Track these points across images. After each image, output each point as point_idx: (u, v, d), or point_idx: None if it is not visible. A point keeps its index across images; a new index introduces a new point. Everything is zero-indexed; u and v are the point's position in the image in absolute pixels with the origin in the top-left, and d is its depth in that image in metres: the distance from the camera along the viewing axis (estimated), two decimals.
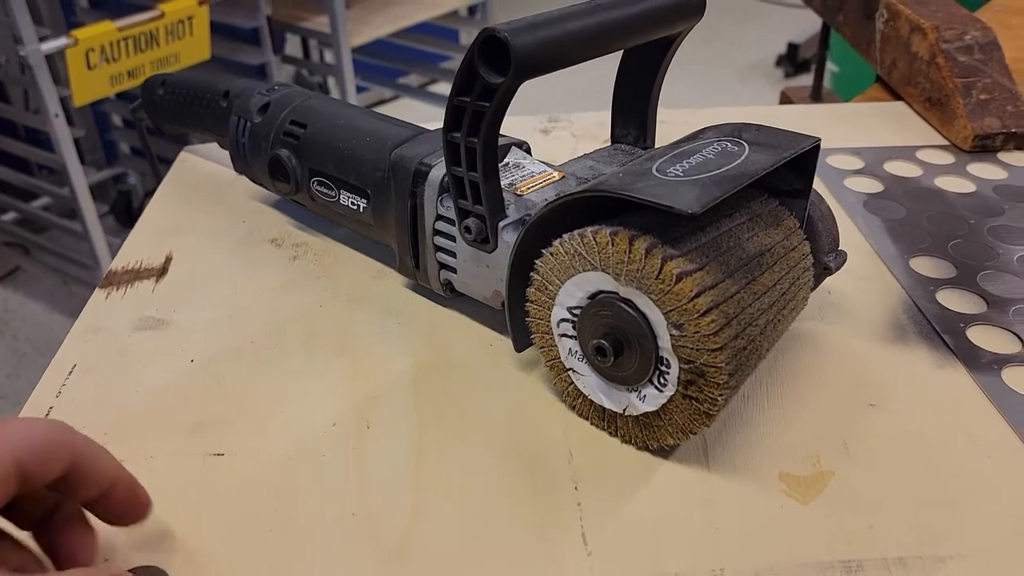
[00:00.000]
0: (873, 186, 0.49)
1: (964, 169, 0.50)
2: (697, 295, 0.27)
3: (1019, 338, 0.36)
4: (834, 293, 0.39)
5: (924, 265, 0.41)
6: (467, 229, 0.34)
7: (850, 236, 0.44)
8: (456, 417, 0.33)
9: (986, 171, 0.50)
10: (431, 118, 0.46)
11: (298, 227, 0.46)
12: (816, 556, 0.27)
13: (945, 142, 0.53)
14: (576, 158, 0.40)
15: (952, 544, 0.27)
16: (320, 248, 0.44)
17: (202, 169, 0.52)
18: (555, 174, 0.37)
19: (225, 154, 0.50)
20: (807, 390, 0.34)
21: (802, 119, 0.57)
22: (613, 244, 0.28)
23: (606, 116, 0.49)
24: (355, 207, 0.40)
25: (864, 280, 0.40)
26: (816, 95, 0.78)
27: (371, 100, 2.31)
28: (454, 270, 0.37)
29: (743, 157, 0.30)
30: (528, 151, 0.40)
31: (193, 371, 0.35)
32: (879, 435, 0.32)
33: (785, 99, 0.80)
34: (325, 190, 0.41)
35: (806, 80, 2.84)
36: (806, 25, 2.64)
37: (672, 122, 0.54)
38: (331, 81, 2.18)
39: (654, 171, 0.29)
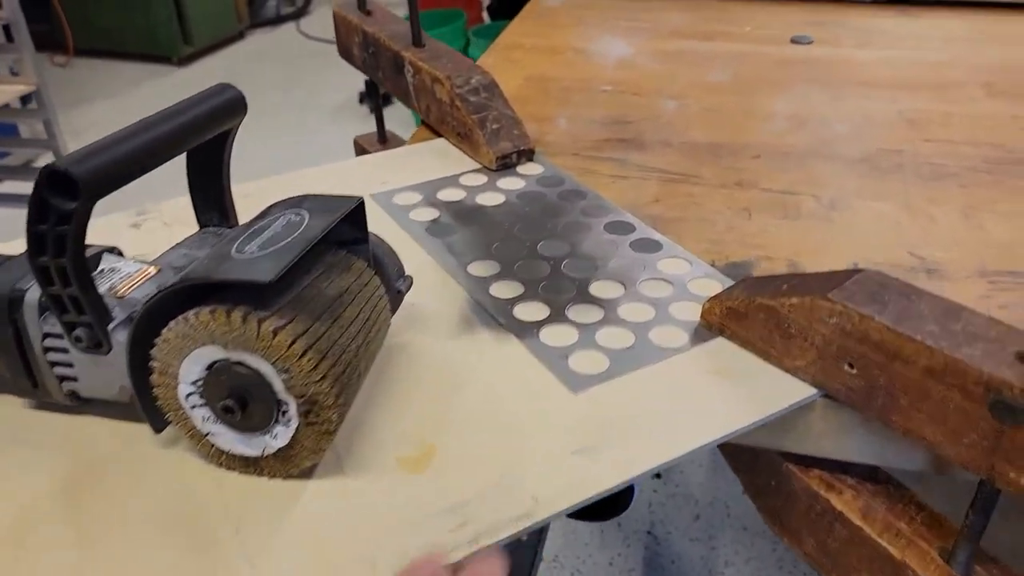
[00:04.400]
0: (431, 214, 0.60)
1: (495, 184, 0.64)
2: (293, 342, 0.33)
3: (547, 306, 0.49)
4: (416, 307, 0.49)
5: (478, 268, 0.53)
6: (78, 339, 0.37)
7: (420, 259, 0.54)
8: (114, 510, 0.36)
9: (510, 183, 0.64)
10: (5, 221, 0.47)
11: None
12: (434, 508, 0.35)
13: (478, 166, 0.67)
14: (170, 249, 0.44)
15: (523, 468, 0.38)
16: None
17: None
18: (151, 269, 0.41)
19: None
20: (408, 389, 0.43)
21: (372, 168, 0.67)
22: (214, 319, 0.34)
23: None
24: None
25: (436, 291, 0.51)
26: (382, 138, 0.90)
27: None
28: (75, 379, 0.39)
29: (304, 225, 0.37)
30: (120, 254, 0.43)
31: None
32: (464, 406, 0.41)
33: (359, 146, 0.90)
34: None
35: (391, 110, 3.08)
36: None
37: (254, 195, 0.60)
38: None
39: (233, 253, 0.35)
